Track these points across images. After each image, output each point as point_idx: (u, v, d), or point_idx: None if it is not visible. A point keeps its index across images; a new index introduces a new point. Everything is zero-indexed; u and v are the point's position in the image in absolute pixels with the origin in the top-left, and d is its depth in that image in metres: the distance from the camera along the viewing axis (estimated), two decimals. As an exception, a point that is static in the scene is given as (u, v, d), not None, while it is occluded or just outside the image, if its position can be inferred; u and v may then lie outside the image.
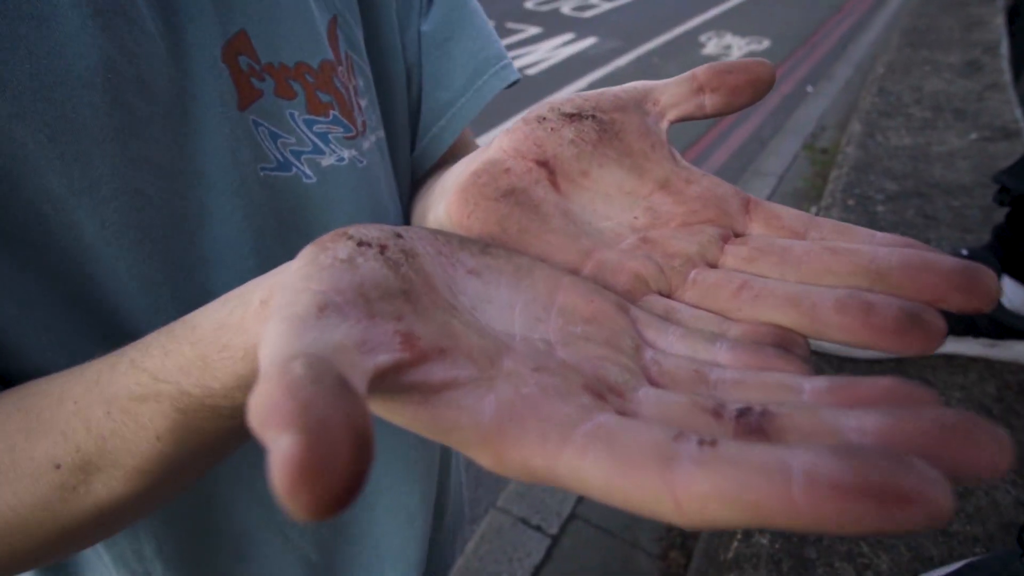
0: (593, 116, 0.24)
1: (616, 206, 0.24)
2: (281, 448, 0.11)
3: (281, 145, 0.33)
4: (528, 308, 0.20)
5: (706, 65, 0.24)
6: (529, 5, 5.87)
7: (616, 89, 0.25)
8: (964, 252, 0.89)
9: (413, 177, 0.45)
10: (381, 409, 0.16)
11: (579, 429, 0.14)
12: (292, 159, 0.33)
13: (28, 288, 0.27)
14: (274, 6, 0.32)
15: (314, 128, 0.34)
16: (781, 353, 0.18)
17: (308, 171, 0.34)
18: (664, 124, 0.25)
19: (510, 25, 5.19)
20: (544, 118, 0.24)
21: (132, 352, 0.24)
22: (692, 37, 4.97)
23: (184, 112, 0.29)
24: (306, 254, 0.17)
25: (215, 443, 0.25)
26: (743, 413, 0.15)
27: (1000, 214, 0.91)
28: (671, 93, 0.25)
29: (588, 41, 4.84)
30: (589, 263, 0.22)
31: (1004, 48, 2.15)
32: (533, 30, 5.07)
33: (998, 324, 0.88)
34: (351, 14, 0.37)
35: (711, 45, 4.76)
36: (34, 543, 0.25)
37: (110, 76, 0.26)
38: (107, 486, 0.24)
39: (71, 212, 0.27)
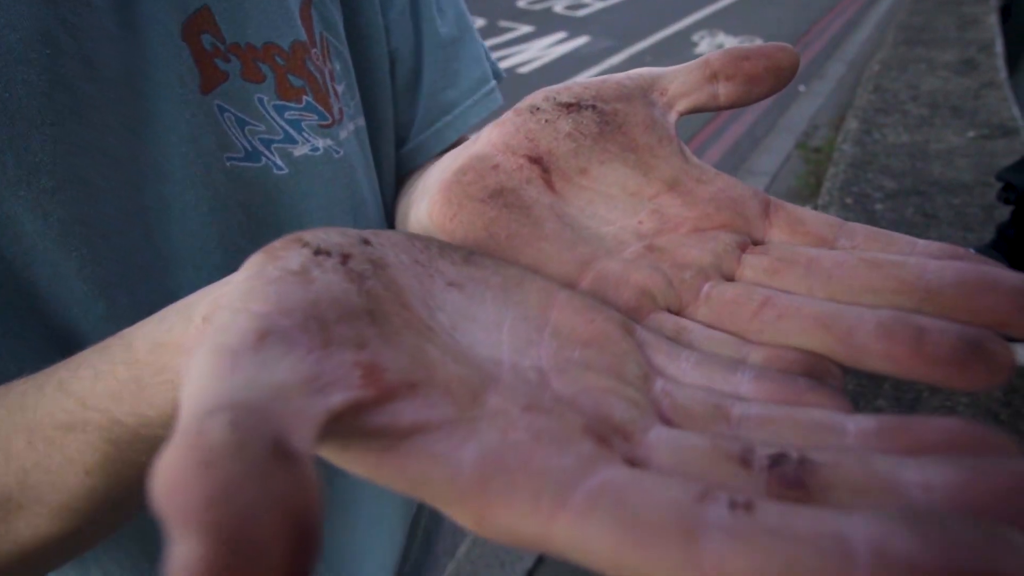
0: (593, 106, 0.22)
1: (619, 209, 0.21)
2: (183, 555, 0.08)
3: (249, 133, 0.30)
4: (518, 328, 0.17)
5: (721, 50, 0.21)
6: (521, 3, 5.87)
7: (620, 76, 0.23)
8: (971, 251, 0.87)
9: (400, 172, 0.42)
10: (336, 457, 0.13)
11: (580, 487, 0.12)
12: (261, 148, 0.31)
13: None
14: None
15: (285, 115, 0.31)
16: (813, 385, 0.15)
17: (279, 161, 0.31)
18: (673, 116, 0.22)
19: (502, 23, 5.19)
20: (538, 108, 0.22)
21: (62, 371, 0.21)
22: (685, 36, 4.99)
23: (138, 94, 0.27)
24: (252, 264, 0.15)
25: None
26: (777, 461, 0.13)
27: (1003, 212, 0.90)
28: (681, 81, 0.22)
29: (580, 40, 4.84)
30: (588, 275, 0.19)
31: (999, 46, 2.15)
32: (525, 28, 5.07)
33: None
34: None
35: (704, 44, 4.78)
36: None
37: (49, 52, 0.24)
38: (31, 525, 0.22)
39: (5, 204, 0.24)
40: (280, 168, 0.32)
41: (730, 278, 0.19)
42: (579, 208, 0.21)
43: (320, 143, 0.33)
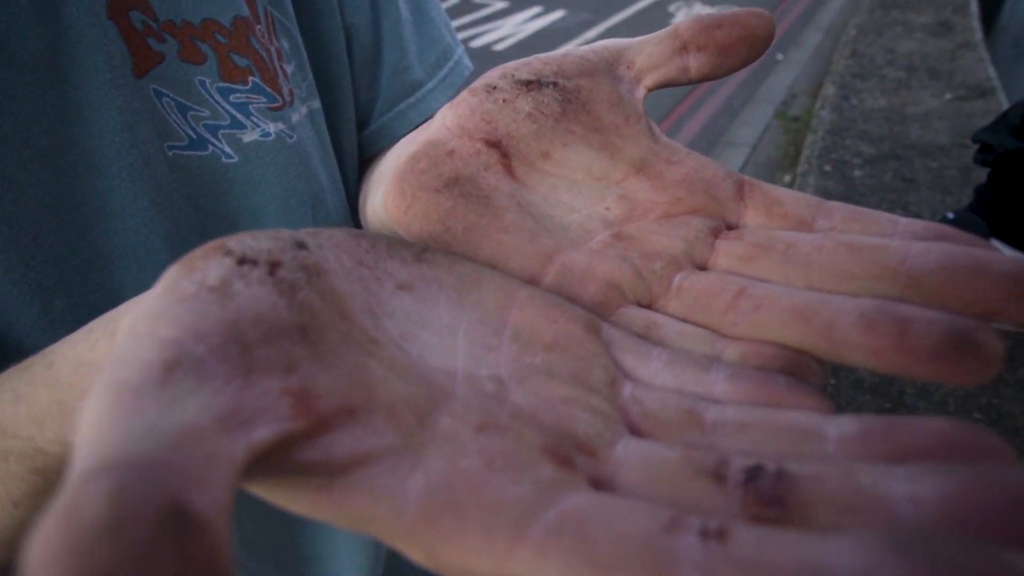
0: (555, 83, 0.20)
1: (584, 194, 0.20)
2: None
3: (192, 119, 0.28)
4: (474, 332, 0.16)
5: (691, 18, 0.20)
6: (495, -21, 5.82)
7: (583, 50, 0.21)
8: (950, 216, 0.86)
9: (363, 155, 0.40)
10: (266, 495, 0.12)
11: (538, 519, 0.11)
12: (207, 135, 0.29)
13: None
14: None
15: (231, 98, 0.29)
16: (792, 383, 0.14)
17: (227, 149, 0.29)
18: (640, 91, 0.21)
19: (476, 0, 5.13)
20: (495, 87, 0.20)
21: None
22: (661, 7, 4.95)
23: (60, 80, 0.25)
24: (166, 278, 0.13)
25: None
26: (753, 475, 0.12)
27: (980, 174, 0.89)
28: (649, 53, 0.20)
29: (556, 15, 4.79)
30: (551, 268, 0.18)
31: (974, 7, 2.14)
32: (499, 4, 5.01)
33: None
34: None
35: (680, 15, 4.76)
36: None
37: None
38: None
39: None
40: (229, 156, 0.30)
41: (703, 267, 0.18)
42: (542, 195, 0.20)
43: (271, 127, 0.31)
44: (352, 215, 0.38)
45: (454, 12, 4.83)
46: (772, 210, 0.19)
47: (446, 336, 0.16)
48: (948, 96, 1.57)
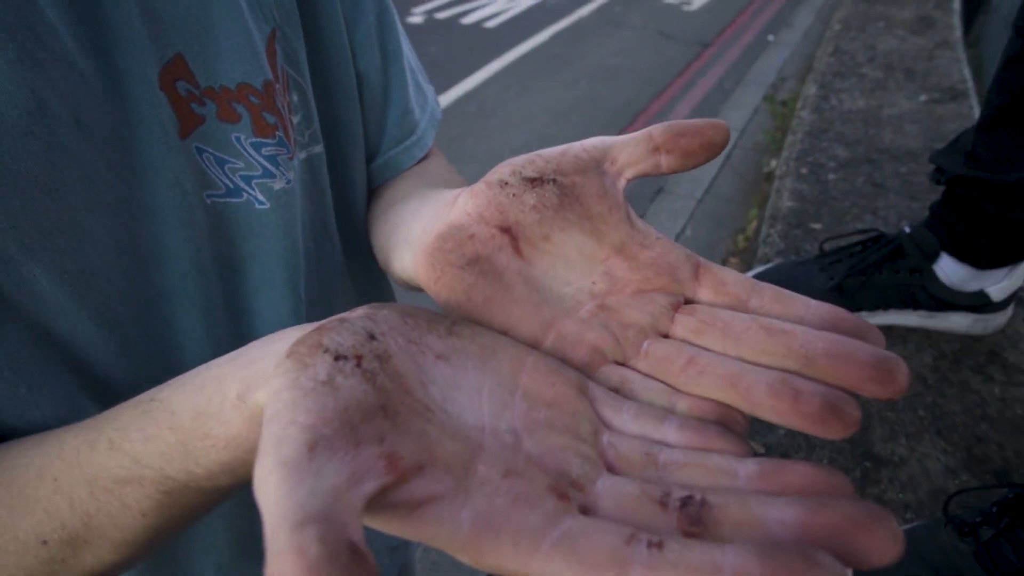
0: (554, 180, 0.24)
1: (576, 270, 0.25)
2: None
3: (229, 171, 0.32)
4: (494, 393, 0.21)
5: (662, 125, 0.24)
6: (487, -48, 5.69)
7: (577, 148, 0.25)
8: (907, 230, 0.92)
9: (370, 185, 0.45)
10: (367, 522, 0.16)
11: (546, 537, 0.16)
12: (243, 184, 0.33)
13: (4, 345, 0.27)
14: (210, 26, 0.30)
15: (262, 151, 0.33)
16: (722, 432, 0.20)
17: (260, 196, 0.34)
18: (621, 183, 0.25)
19: None
20: (506, 183, 0.24)
21: (109, 431, 0.24)
22: (652, -16, 4.89)
23: (124, 146, 0.29)
24: (285, 370, 0.18)
25: (201, 511, 0.26)
26: (685, 503, 0.17)
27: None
28: (629, 153, 0.25)
29: (548, -10, 4.73)
30: (551, 334, 0.23)
31: (956, 2, 2.17)
32: (492, -21, 4.95)
33: (936, 299, 0.93)
34: (290, 26, 0.35)
35: None
36: None
37: (45, 120, 0.26)
38: (96, 556, 0.25)
39: (24, 267, 0.26)
40: (262, 203, 0.34)
41: (665, 335, 0.23)
42: (542, 271, 0.24)
43: (290, 175, 0.35)
44: (349, 238, 0.43)
45: (446, -12, 4.77)
46: (719, 288, 0.24)
47: (474, 396, 0.20)
48: (922, 98, 1.62)
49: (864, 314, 0.96)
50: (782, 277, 0.99)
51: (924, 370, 0.92)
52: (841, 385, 0.19)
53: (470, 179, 0.31)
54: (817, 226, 1.21)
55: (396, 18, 0.43)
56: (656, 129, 0.24)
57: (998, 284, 0.90)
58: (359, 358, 0.18)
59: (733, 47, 3.83)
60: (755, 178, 2.41)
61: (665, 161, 0.24)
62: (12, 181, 0.25)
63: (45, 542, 0.24)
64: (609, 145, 0.25)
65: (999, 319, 0.94)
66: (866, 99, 1.66)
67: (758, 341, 0.21)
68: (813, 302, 0.22)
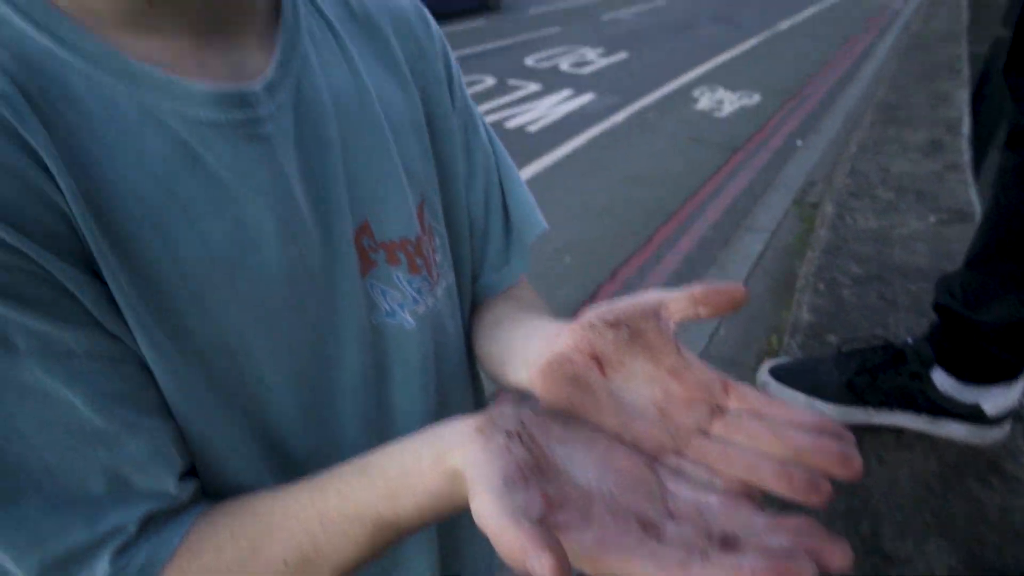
0: (627, 325, 0.33)
1: (642, 386, 0.33)
2: (548, 558, 0.20)
3: (390, 299, 0.43)
4: (596, 466, 0.29)
5: (701, 288, 0.33)
6: (529, 62, 6.04)
7: (641, 301, 0.34)
8: (909, 341, 1.04)
9: (474, 301, 0.55)
10: None
11: (639, 551, 0.24)
12: (399, 309, 0.43)
13: (217, 414, 0.36)
14: (387, 197, 0.42)
15: (413, 285, 0.44)
16: (745, 497, 0.28)
17: (409, 318, 0.44)
18: (672, 325, 0.34)
19: (511, 82, 5.36)
20: (594, 325, 0.34)
21: (337, 484, 0.33)
22: (686, 92, 5.12)
23: (328, 281, 0.39)
24: (476, 438, 0.28)
25: (388, 548, 0.34)
26: (723, 538, 0.25)
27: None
28: (677, 305, 0.33)
29: (586, 97, 5.00)
30: (629, 432, 0.31)
31: (965, 127, 2.31)
32: (533, 87, 5.24)
33: (935, 405, 1.02)
34: (434, 192, 0.47)
35: (704, 100, 4.92)
36: None
37: (287, 257, 0.36)
38: (319, 574, 0.33)
39: (262, 364, 0.37)
40: (410, 323, 0.44)
41: (706, 433, 0.31)
42: (618, 385, 0.33)
43: (430, 302, 0.46)
44: (465, 342, 0.53)
45: (490, 94, 5.01)
46: (742, 400, 0.32)
47: (584, 468, 0.28)
48: (932, 219, 1.76)
49: (872, 411, 1.07)
50: (805, 369, 1.12)
51: (930, 477, 1.00)
52: (819, 469, 0.27)
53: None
54: (833, 338, 1.33)
55: (497, 176, 0.54)
56: (697, 290, 0.33)
57: (992, 400, 0.99)
58: (519, 434, 0.28)
59: (762, 152, 3.97)
60: (786, 278, 2.48)
61: (703, 311, 0.33)
62: (273, 319, 0.36)
63: (285, 562, 0.33)
64: (665, 301, 0.34)
65: (995, 433, 1.03)
66: (878, 219, 1.80)
67: (768, 441, 0.29)
68: (808, 414, 0.30)
